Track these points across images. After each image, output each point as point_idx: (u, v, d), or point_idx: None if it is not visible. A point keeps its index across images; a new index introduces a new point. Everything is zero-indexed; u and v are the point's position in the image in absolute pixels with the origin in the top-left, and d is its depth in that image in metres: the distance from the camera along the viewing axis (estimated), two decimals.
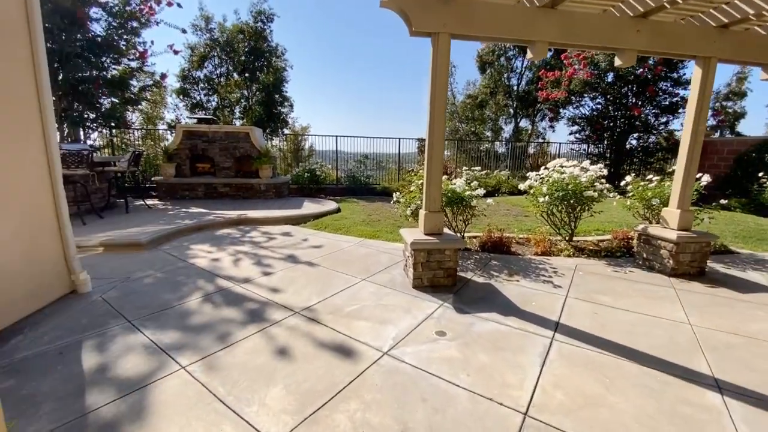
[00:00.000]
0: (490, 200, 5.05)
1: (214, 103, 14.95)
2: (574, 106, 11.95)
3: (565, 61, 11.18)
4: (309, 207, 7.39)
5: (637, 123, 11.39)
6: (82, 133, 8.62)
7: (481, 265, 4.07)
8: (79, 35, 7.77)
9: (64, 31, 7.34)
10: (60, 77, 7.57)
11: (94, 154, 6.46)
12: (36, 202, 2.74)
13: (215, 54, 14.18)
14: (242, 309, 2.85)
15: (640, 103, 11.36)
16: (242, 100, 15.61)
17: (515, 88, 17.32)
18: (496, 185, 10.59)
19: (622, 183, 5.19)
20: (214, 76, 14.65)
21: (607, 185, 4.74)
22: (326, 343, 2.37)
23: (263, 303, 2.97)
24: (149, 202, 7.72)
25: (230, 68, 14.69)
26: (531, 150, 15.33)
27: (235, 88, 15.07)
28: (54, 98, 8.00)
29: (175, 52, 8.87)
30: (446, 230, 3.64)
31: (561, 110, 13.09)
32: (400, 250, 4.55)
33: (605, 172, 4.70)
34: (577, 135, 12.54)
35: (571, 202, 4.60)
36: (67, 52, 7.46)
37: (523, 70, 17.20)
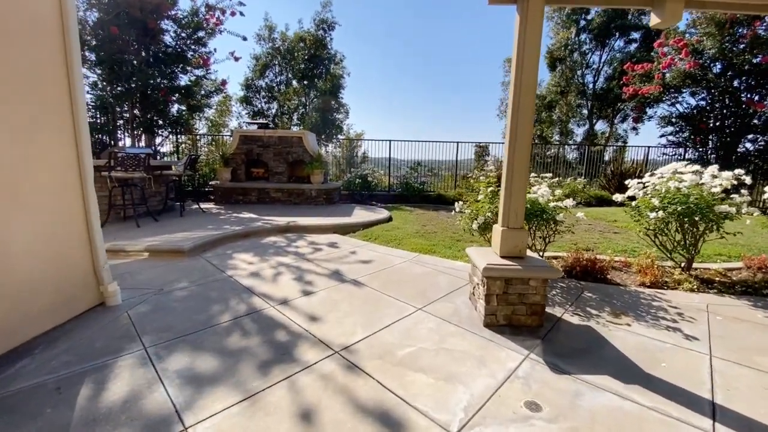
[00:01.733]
0: (580, 214, 4.11)
1: (273, 111, 15.41)
2: (669, 103, 10.14)
3: (659, 50, 9.53)
4: (359, 215, 6.90)
5: (754, 122, 9.33)
6: (145, 138, 9.11)
7: (571, 298, 3.17)
8: (151, 46, 8.21)
9: (137, 42, 7.76)
10: (132, 86, 8.02)
11: (152, 158, 6.63)
12: (63, 204, 2.49)
13: (276, 62, 14.60)
14: (271, 342, 2.33)
15: (758, 97, 9.30)
16: (300, 107, 15.91)
17: (591, 86, 15.50)
18: (570, 195, 9.26)
19: (765, 196, 3.91)
20: (274, 84, 15.09)
21: (747, 197, 3.55)
22: (369, 409, 1.73)
23: (296, 335, 2.43)
24: (204, 206, 7.81)
25: (289, 76, 15.04)
26: (606, 156, 13.51)
27: (294, 96, 15.39)
28: (127, 106, 8.54)
29: (236, 59, 9.06)
30: (528, 252, 2.83)
31: (649, 109, 11.26)
32: (462, 271, 3.80)
33: (747, 179, 3.52)
34: (671, 137, 10.65)
35: (695, 218, 3.50)
36: (138, 61, 7.89)
37: (601, 65, 15.36)
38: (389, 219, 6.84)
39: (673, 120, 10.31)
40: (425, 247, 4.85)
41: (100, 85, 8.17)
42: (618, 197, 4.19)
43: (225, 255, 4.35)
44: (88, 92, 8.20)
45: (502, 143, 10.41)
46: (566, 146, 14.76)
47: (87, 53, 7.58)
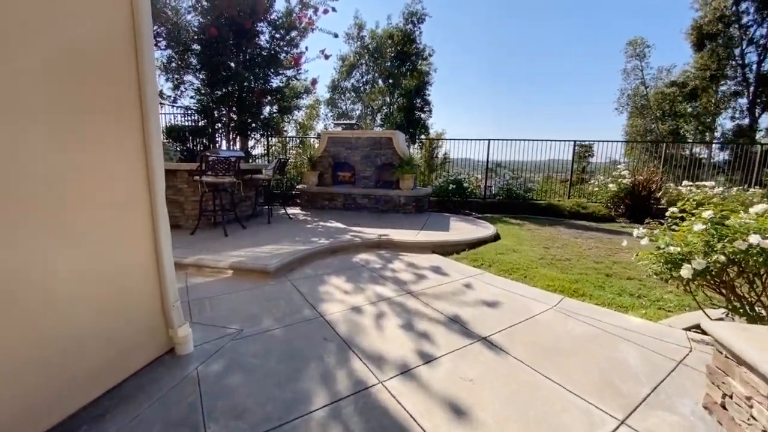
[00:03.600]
0: None
1: (358, 112, 15.10)
2: None
3: None
4: (458, 229, 5.80)
5: None
6: (239, 141, 9.22)
7: None
8: (248, 49, 8.21)
9: (234, 45, 7.77)
10: (230, 89, 8.09)
11: (243, 161, 6.41)
12: (126, 228, 1.90)
13: (363, 62, 14.22)
14: None
15: None
16: (384, 107, 15.36)
17: (754, 67, 11.94)
18: None
19: None
20: (360, 84, 14.75)
21: None
22: None
23: None
24: (291, 211, 7.48)
25: (375, 75, 14.55)
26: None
27: (378, 95, 14.87)
28: (225, 109, 8.70)
29: (326, 57, 8.67)
30: None
31: None
32: (652, 338, 2.47)
33: None
34: None
35: None
36: (236, 63, 7.91)
37: None
38: (497, 236, 5.60)
39: None
40: (565, 284, 3.56)
41: (202, 90, 8.44)
42: None
43: (314, 278, 3.64)
44: (191, 97, 8.56)
45: (619, 142, 8.30)
46: (712, 144, 11.59)
47: (190, 58, 7.84)
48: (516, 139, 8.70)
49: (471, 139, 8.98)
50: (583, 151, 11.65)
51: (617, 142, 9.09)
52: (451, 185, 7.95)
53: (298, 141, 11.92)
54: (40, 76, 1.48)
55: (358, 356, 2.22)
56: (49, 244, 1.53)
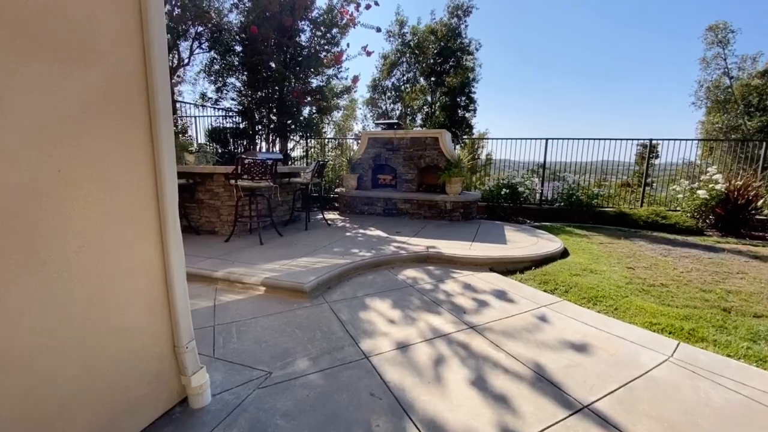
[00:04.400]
0: None
1: (398, 112, 14.59)
2: None
3: None
4: (517, 241, 5.05)
5: None
6: (279, 143, 9.02)
7: None
8: (289, 48, 7.97)
9: (275, 43, 7.54)
10: (270, 90, 7.89)
11: (281, 164, 6.11)
12: (123, 248, 1.47)
13: (404, 59, 13.68)
14: None
15: None
16: (425, 107, 14.72)
17: None
18: None
19: None
20: (401, 83, 14.23)
21: None
22: None
23: None
24: (329, 216, 7.09)
25: (417, 73, 13.96)
26: None
27: (420, 94, 14.27)
28: (265, 110, 8.53)
29: (368, 54, 8.22)
30: None
31: None
32: None
33: None
34: None
35: None
36: (276, 63, 7.68)
37: None
38: (565, 252, 4.79)
39: None
40: (673, 321, 2.77)
41: (243, 91, 8.33)
42: None
43: (354, 300, 3.13)
44: (232, 99, 8.48)
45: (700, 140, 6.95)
46: None
47: (232, 59, 7.73)
48: (579, 138, 7.72)
49: (526, 139, 8.11)
50: (647, 151, 10.34)
51: (699, 140, 7.78)
52: (504, 190, 7.15)
53: (336, 142, 11.61)
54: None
55: (417, 427, 1.66)
56: (27, 290, 1.12)
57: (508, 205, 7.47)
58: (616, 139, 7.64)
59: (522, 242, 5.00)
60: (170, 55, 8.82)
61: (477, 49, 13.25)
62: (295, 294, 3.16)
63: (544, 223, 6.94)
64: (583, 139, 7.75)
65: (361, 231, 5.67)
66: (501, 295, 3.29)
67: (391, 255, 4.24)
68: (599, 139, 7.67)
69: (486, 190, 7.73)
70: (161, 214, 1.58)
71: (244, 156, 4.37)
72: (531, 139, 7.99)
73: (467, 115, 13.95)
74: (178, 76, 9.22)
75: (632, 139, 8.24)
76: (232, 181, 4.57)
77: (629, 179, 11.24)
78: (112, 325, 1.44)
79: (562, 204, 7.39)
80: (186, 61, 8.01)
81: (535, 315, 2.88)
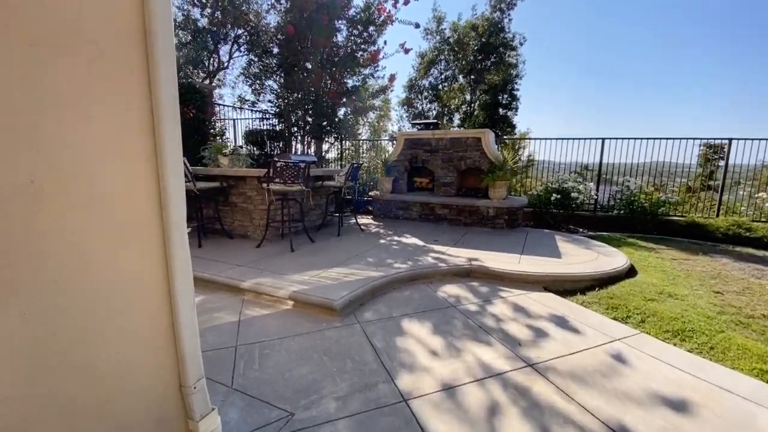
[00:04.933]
0: None
1: (434, 111, 14.11)
2: None
3: None
4: (573, 255, 4.47)
5: None
6: (314, 145, 8.90)
7: None
8: (325, 48, 7.81)
9: (311, 43, 7.40)
10: (305, 90, 7.77)
11: (315, 166, 5.91)
12: (116, 266, 1.22)
13: (443, 57, 13.19)
14: None
15: None
16: (463, 106, 14.12)
17: None
18: None
19: None
20: (438, 82, 13.74)
21: None
22: None
23: None
24: (362, 221, 6.82)
25: (456, 71, 13.41)
26: None
27: (458, 93, 13.70)
28: (301, 112, 8.43)
29: (406, 51, 7.88)
30: None
31: None
32: None
33: None
34: None
35: None
36: (313, 64, 7.54)
37: None
38: (631, 270, 4.14)
39: None
40: None
41: (279, 92, 8.29)
42: None
43: (390, 321, 2.79)
44: (269, 101, 8.47)
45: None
46: None
47: (269, 60, 7.70)
48: (640, 138, 6.85)
49: (580, 138, 7.34)
50: (712, 152, 9.14)
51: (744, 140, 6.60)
52: (554, 195, 6.49)
53: (370, 144, 11.36)
54: None
55: None
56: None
57: (558, 211, 6.79)
58: (682, 139, 6.71)
59: (579, 256, 4.41)
60: (211, 58, 9.00)
61: (521, 44, 12.47)
62: (324, 311, 2.88)
63: (600, 233, 6.21)
64: (645, 138, 6.89)
65: (396, 238, 5.33)
66: (561, 322, 2.80)
67: (430, 268, 3.85)
68: (663, 138, 6.77)
69: (533, 194, 7.09)
70: (165, 229, 1.32)
71: (276, 158, 4.18)
72: (586, 138, 7.23)
73: (509, 113, 13.19)
74: (219, 80, 9.40)
75: (703, 138, 7.25)
76: (264, 185, 4.40)
77: (691, 183, 10.02)
78: (121, 351, 1.19)
79: (621, 211, 6.59)
80: (225, 64, 8.10)
81: (607, 352, 2.38)
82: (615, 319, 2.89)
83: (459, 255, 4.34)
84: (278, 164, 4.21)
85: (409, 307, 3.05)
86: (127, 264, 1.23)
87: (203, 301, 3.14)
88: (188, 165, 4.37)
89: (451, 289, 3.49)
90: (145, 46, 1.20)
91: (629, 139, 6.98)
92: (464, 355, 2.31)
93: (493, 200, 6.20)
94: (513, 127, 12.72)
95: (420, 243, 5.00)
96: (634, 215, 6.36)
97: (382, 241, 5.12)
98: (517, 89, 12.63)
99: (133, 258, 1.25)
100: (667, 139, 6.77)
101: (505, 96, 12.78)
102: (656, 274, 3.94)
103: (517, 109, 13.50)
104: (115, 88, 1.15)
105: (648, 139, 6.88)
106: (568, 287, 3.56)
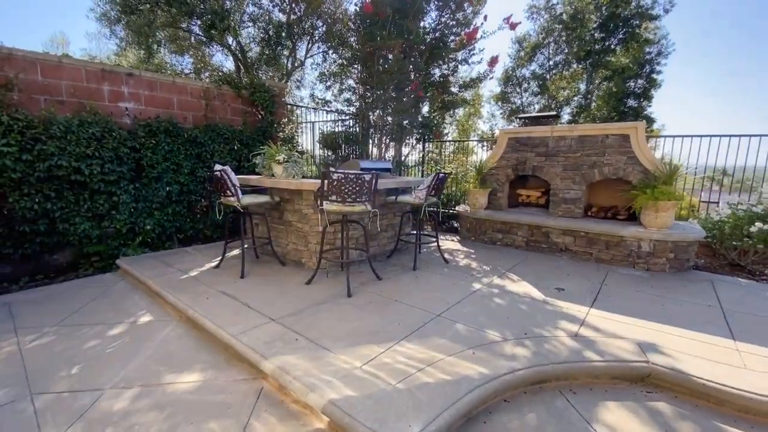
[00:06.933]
0: None
1: (537, 106, 11.77)
2: None
3: None
4: None
5: None
6: (393, 147, 7.68)
7: None
8: (411, 35, 6.54)
9: (393, 25, 6.18)
10: (385, 86, 6.59)
11: (387, 175, 4.63)
12: None
13: (552, 39, 10.85)
14: None
15: None
16: (575, 97, 11.50)
17: None
18: None
19: None
20: (544, 71, 11.40)
21: None
22: None
23: None
24: (447, 244, 5.33)
25: (569, 56, 10.93)
26: None
27: (570, 82, 11.17)
28: (379, 111, 7.30)
29: (512, 27, 6.12)
30: None
31: None
32: None
33: None
34: None
35: None
36: (395, 53, 6.33)
37: None
38: None
39: None
40: None
41: (356, 89, 7.30)
42: None
43: None
44: (346, 99, 7.52)
45: None
46: None
47: (346, 51, 6.74)
48: None
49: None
50: None
51: None
52: (758, 224, 4.06)
53: (458, 146, 9.71)
54: None
55: None
56: None
57: (760, 247, 4.31)
58: None
59: None
60: (288, 59, 8.49)
61: (667, 11, 9.45)
62: None
63: None
64: None
65: (497, 280, 3.73)
66: None
67: (569, 362, 2.22)
68: None
69: (711, 221, 4.68)
70: None
71: (332, 170, 3.01)
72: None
73: (643, 103, 10.23)
74: (297, 80, 8.88)
75: None
76: (318, 204, 3.27)
77: None
78: None
79: None
80: (302, 60, 7.40)
81: None
82: None
83: (609, 327, 2.60)
84: (334, 177, 3.03)
85: None
86: None
87: (205, 384, 2.09)
88: (230, 175, 3.48)
89: (618, 420, 1.83)
90: None
91: None
92: None
93: (650, 228, 4.13)
94: (651, 121, 9.75)
95: (536, 294, 3.34)
96: None
97: (476, 285, 3.58)
98: (659, 71, 9.65)
99: None
100: None
101: (640, 82, 9.89)
102: None
103: (650, 98, 10.42)
104: None
105: None
106: None
